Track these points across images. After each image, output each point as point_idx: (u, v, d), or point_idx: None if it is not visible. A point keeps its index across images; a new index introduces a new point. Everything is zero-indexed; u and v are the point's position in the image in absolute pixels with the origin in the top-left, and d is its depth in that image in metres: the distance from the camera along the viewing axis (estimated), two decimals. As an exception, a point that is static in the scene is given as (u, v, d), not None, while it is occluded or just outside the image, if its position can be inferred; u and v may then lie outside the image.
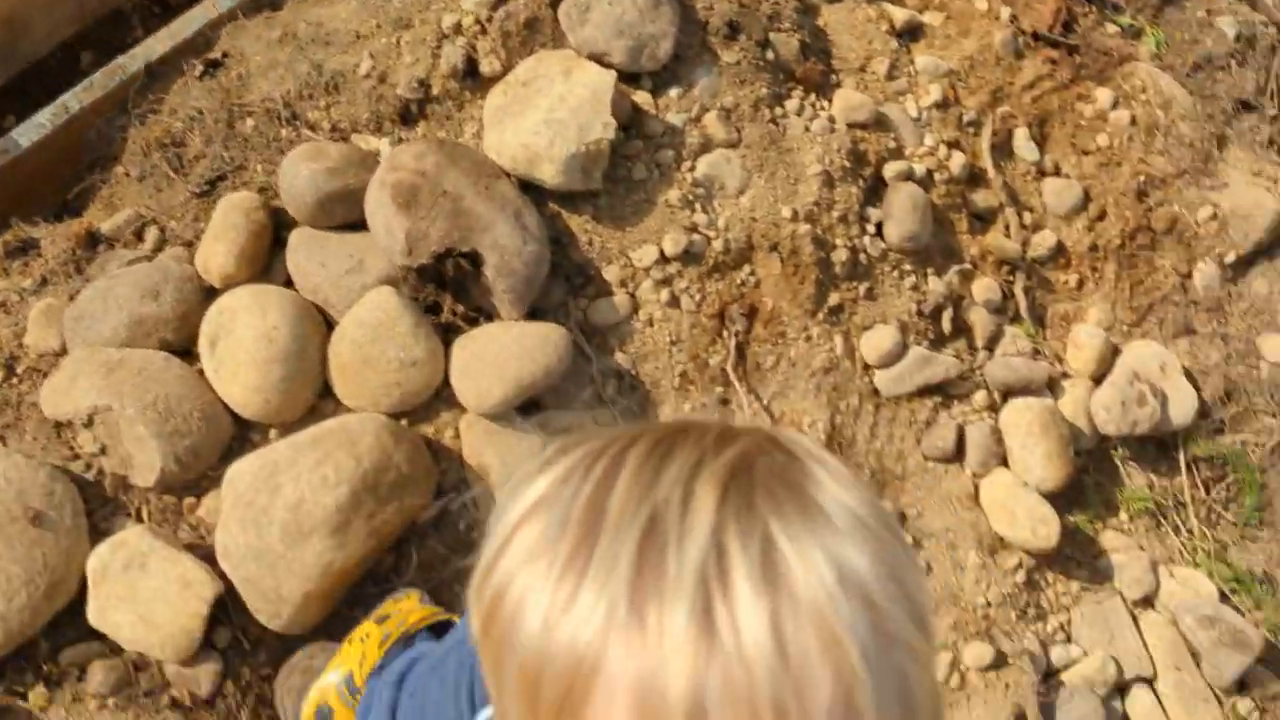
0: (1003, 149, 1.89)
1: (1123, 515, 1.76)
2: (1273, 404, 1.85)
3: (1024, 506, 1.63)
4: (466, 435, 1.53)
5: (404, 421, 1.54)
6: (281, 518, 1.36)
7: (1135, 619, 1.66)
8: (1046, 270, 1.88)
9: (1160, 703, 1.60)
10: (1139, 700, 1.61)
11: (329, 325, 1.56)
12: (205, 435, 1.47)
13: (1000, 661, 1.59)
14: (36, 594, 1.33)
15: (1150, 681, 1.62)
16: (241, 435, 1.51)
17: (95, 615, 1.34)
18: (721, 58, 1.72)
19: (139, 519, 1.42)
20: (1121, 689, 1.62)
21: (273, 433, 1.51)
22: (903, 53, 1.90)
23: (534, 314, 1.57)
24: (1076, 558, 1.71)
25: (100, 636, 1.36)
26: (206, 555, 1.40)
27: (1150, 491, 1.77)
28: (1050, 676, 1.61)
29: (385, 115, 1.68)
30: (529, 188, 1.60)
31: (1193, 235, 1.90)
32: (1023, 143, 1.89)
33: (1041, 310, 1.86)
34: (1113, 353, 1.82)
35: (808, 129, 1.73)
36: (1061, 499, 1.69)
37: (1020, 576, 1.65)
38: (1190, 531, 1.77)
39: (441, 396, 1.56)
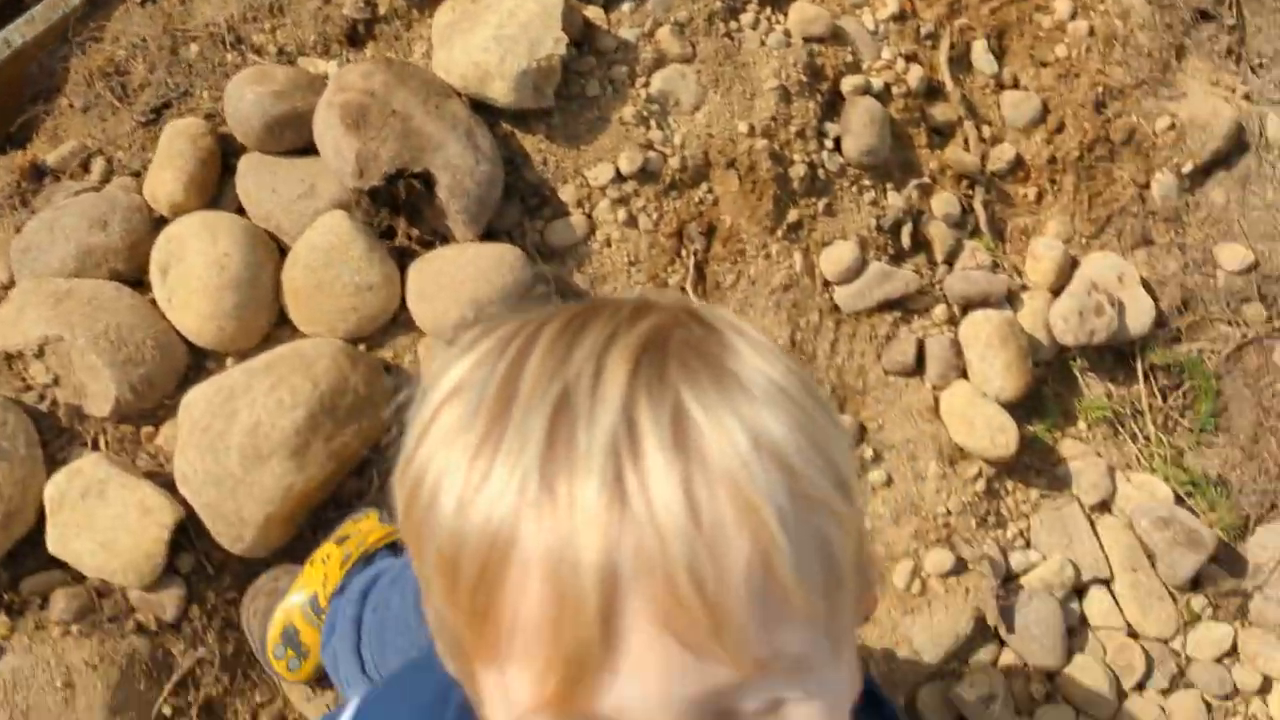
0: (961, 62, 1.88)
1: (1081, 424, 1.78)
2: (1229, 312, 1.87)
3: (983, 416, 1.65)
4: (425, 358, 1.53)
5: (362, 347, 1.53)
6: (239, 442, 1.36)
7: (1093, 523, 1.69)
8: (1005, 184, 1.87)
9: (1117, 602, 1.64)
10: (1096, 601, 1.64)
11: (282, 252, 1.54)
12: (160, 364, 1.45)
13: (960, 568, 1.62)
14: (-6, 524, 1.32)
15: (1107, 583, 1.65)
16: (197, 364, 1.50)
17: (55, 544, 1.34)
18: (674, -28, 1.69)
19: (96, 448, 1.41)
20: (1079, 590, 1.65)
21: (229, 361, 1.50)
22: (860, -34, 1.87)
23: (490, 236, 1.56)
24: (1035, 466, 1.73)
25: (61, 565, 1.36)
26: (166, 483, 1.39)
27: (1108, 400, 1.80)
28: (1009, 581, 1.64)
29: (332, 37, 1.64)
30: (481, 107, 1.58)
31: (1151, 146, 1.90)
32: (981, 55, 1.88)
33: (1001, 224, 1.87)
34: (1071, 265, 1.82)
35: (763, 43, 1.71)
36: (1020, 409, 1.71)
37: (980, 485, 1.67)
38: (1147, 438, 1.79)
39: (399, 321, 1.55)
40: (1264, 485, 1.77)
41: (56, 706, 1.28)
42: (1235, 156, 1.93)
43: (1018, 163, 1.87)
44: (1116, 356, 1.83)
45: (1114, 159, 1.89)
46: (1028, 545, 1.67)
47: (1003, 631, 1.59)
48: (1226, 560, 1.69)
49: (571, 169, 1.60)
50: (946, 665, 1.59)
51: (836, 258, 1.68)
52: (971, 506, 1.66)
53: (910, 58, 1.82)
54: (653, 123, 1.63)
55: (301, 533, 1.43)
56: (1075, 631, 1.63)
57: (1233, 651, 1.63)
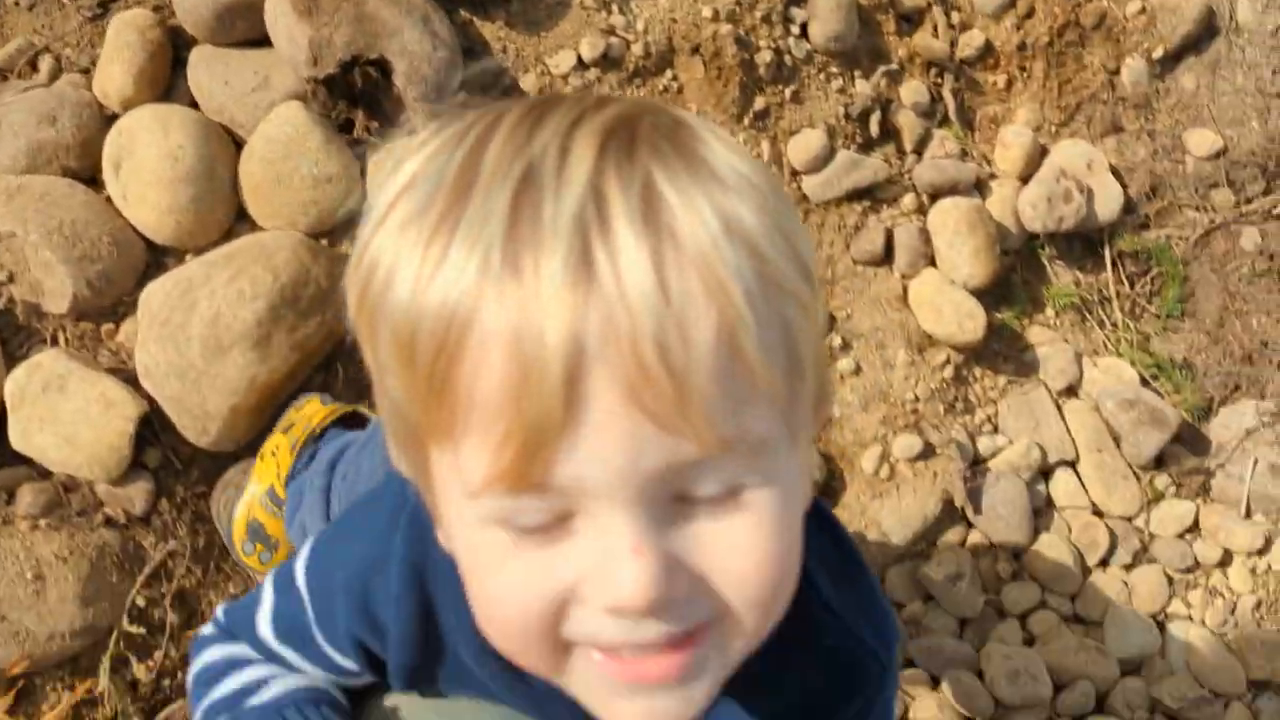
0: (930, -53, 1.84)
1: (1049, 311, 1.79)
2: (1197, 198, 1.86)
3: (951, 303, 1.65)
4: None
5: (324, 242, 1.51)
6: (200, 333, 1.34)
7: (1059, 408, 1.70)
8: (975, 71, 1.85)
9: (1082, 483, 1.66)
10: (1062, 482, 1.66)
11: (237, 145, 1.51)
12: (117, 261, 1.43)
13: (928, 452, 1.63)
14: (-46, 420, 1.31)
15: (1073, 464, 1.67)
16: (157, 262, 1.48)
17: (18, 439, 1.33)
18: None
19: (55, 345, 1.40)
20: (1045, 473, 1.67)
21: (188, 258, 1.48)
22: None
23: (450, 126, 1.53)
24: (1003, 353, 1.74)
25: (26, 460, 1.35)
26: (129, 380, 1.38)
27: (1076, 288, 1.80)
28: (977, 465, 1.66)
29: (281, -77, 1.59)
30: (437, -7, 1.53)
31: (1121, 30, 1.87)
32: (950, -61, 1.84)
33: (970, 112, 1.85)
34: (1040, 153, 1.81)
35: (726, -75, 1.67)
36: (989, 297, 1.71)
37: (948, 372, 1.68)
38: (1114, 325, 1.80)
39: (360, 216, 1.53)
40: (1228, 368, 1.79)
41: (28, 598, 1.28)
42: (1205, 41, 1.91)
43: (987, 49, 1.84)
44: (1085, 244, 1.83)
45: (1084, 45, 1.87)
46: (995, 430, 1.69)
47: (970, 513, 1.61)
48: (1190, 440, 1.71)
49: (532, 56, 1.57)
50: (914, 547, 1.62)
51: (804, 146, 1.66)
52: (939, 393, 1.67)
53: (878, -59, 1.78)
54: (615, 7, 1.60)
55: (268, 426, 1.43)
56: (1041, 512, 1.66)
57: (1194, 527, 1.66)
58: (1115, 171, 1.83)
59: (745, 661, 0.58)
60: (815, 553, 0.61)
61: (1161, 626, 1.61)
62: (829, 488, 1.62)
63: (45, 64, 1.58)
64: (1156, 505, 1.66)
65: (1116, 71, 1.88)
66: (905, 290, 1.70)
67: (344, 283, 0.55)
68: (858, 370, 1.66)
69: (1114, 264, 1.82)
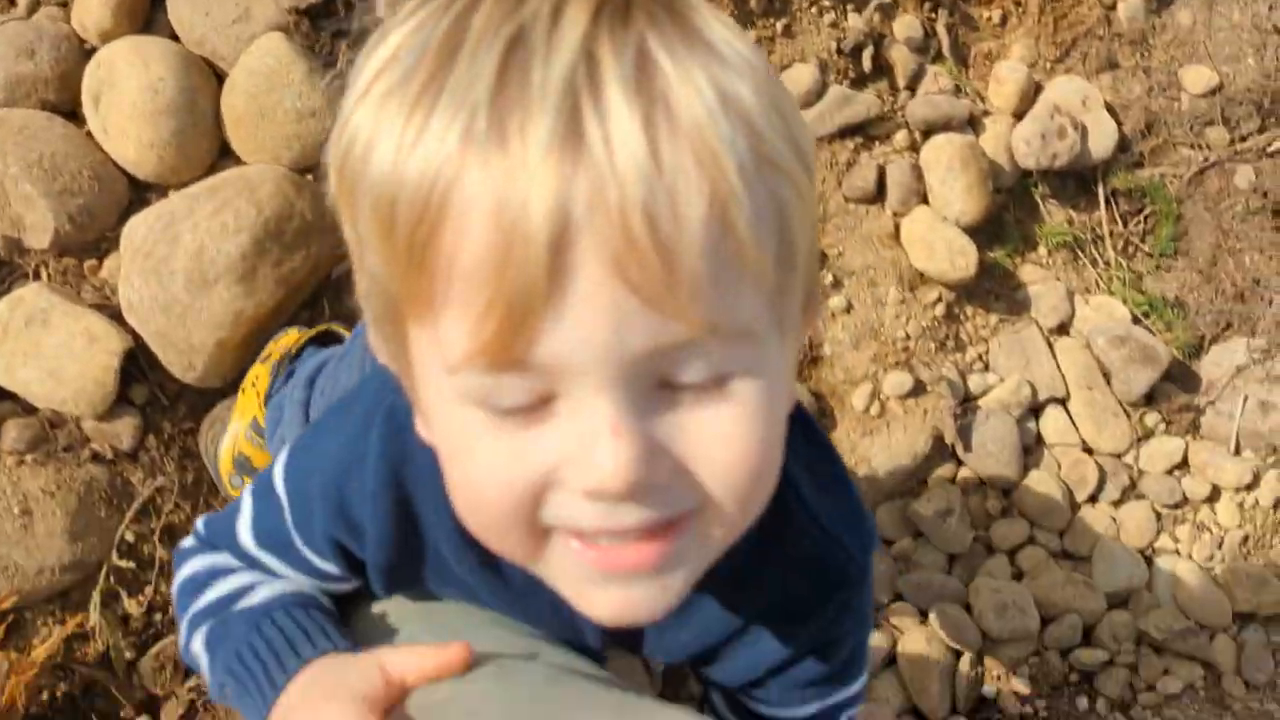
0: (924, -122, 1.80)
1: (1041, 250, 1.78)
2: (1191, 135, 1.85)
3: (943, 240, 1.64)
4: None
5: (309, 177, 1.49)
6: (184, 266, 1.33)
7: (1050, 345, 1.70)
8: (969, 6, 1.82)
9: (1072, 420, 1.66)
10: (1052, 419, 1.66)
11: (219, 79, 1.48)
12: (99, 195, 1.41)
13: (919, 390, 1.63)
14: (-63, 355, 1.30)
15: (1063, 401, 1.67)
16: (139, 198, 1.46)
17: (2, 373, 1.32)
18: None
19: (38, 280, 1.38)
20: (1035, 410, 1.67)
21: (172, 193, 1.46)
22: None
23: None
24: (995, 291, 1.73)
25: (10, 396, 1.34)
26: (114, 315, 1.37)
27: (1069, 226, 1.79)
28: (967, 402, 1.66)
29: None
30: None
31: (1118, -35, 1.84)
32: None
33: (964, 49, 1.82)
34: (1035, 89, 1.79)
35: None
36: (981, 235, 1.70)
37: (940, 310, 1.68)
38: (1107, 263, 1.79)
39: (346, 151, 1.51)
40: (1220, 306, 1.78)
41: (15, 533, 1.28)
42: (1204, -25, 1.88)
43: (982, -17, 1.81)
44: (1078, 182, 1.82)
45: (1080, -21, 1.84)
46: (986, 368, 1.69)
47: (960, 450, 1.61)
48: (1180, 377, 1.71)
49: (519, -12, 1.54)
50: (905, 484, 1.62)
51: (796, 80, 1.64)
52: (931, 331, 1.67)
53: None
54: (602, -63, 1.56)
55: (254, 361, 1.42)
56: (1031, 449, 1.66)
57: (1183, 464, 1.67)
58: (1110, 108, 1.81)
59: (724, 560, 0.57)
60: (796, 455, 0.60)
61: (1149, 561, 1.62)
62: (819, 425, 1.62)
63: (22, -3, 1.55)
64: (1146, 442, 1.67)
65: (1113, 7, 1.85)
66: (897, 228, 1.69)
67: (324, 159, 0.54)
68: (849, 308, 1.65)
69: (1107, 202, 1.81)
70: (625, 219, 0.44)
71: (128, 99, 1.40)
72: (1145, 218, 1.83)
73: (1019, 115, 1.77)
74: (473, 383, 0.48)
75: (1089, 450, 1.66)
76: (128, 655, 1.34)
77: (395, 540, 0.70)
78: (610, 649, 0.77)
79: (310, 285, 1.44)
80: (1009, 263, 1.75)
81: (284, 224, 1.37)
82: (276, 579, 0.76)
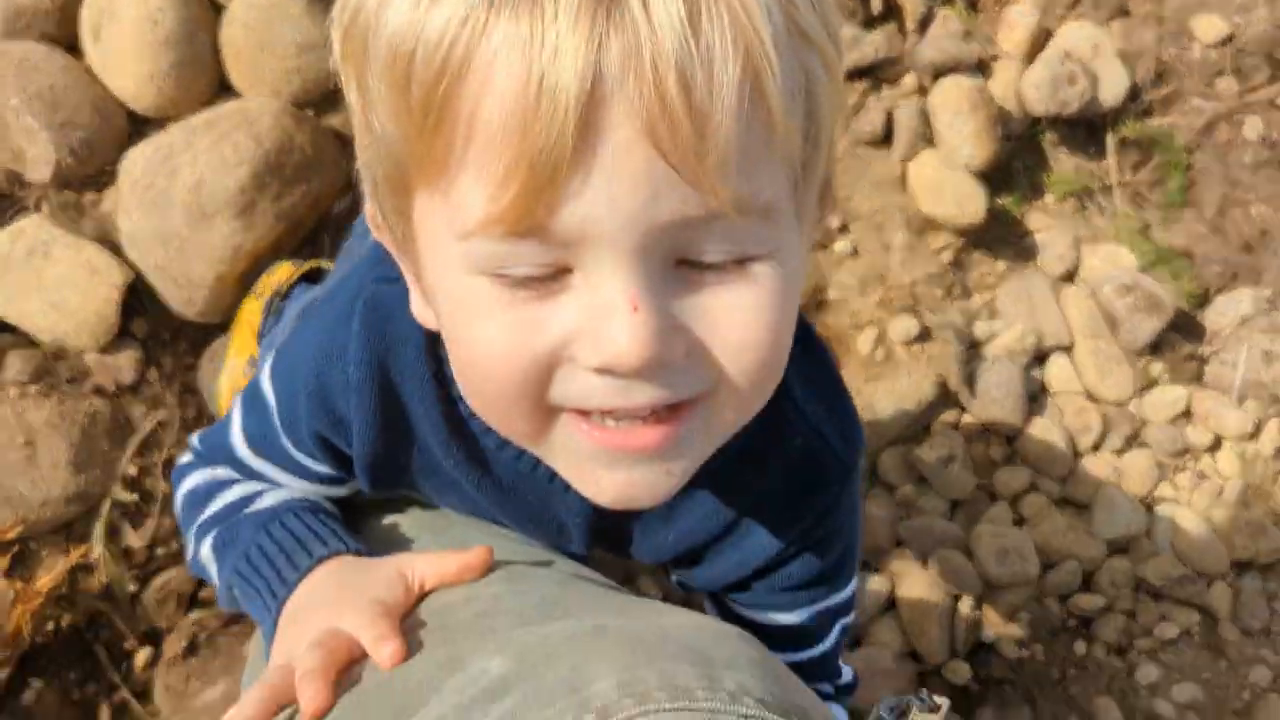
0: None
1: (1049, 198, 1.77)
2: (1202, 85, 1.83)
3: (951, 184, 1.63)
4: None
5: (310, 113, 1.48)
6: (183, 199, 1.32)
7: (1057, 294, 1.69)
8: (981, -51, 1.80)
9: (1076, 369, 1.66)
10: (1056, 367, 1.66)
11: (218, 11, 1.46)
12: (99, 128, 1.40)
13: (925, 335, 1.62)
14: (-63, 286, 1.29)
15: (1068, 349, 1.66)
16: (138, 132, 1.44)
17: (4, 306, 1.32)
18: None
19: (39, 213, 1.37)
20: (1040, 358, 1.67)
21: (170, 126, 1.44)
22: None
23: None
24: (1002, 239, 1.72)
25: (12, 329, 1.33)
26: (115, 249, 1.36)
27: (1077, 174, 1.77)
28: (973, 349, 1.65)
29: None
30: None
31: (1133, -91, 1.81)
32: None
33: (975, -8, 1.80)
34: (1045, 35, 1.77)
35: None
36: (989, 182, 1.68)
37: (947, 256, 1.67)
38: (1114, 213, 1.78)
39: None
40: (1227, 256, 1.77)
41: (20, 463, 1.28)
42: (1219, -79, 1.85)
43: (994, -74, 1.78)
44: (1088, 131, 1.80)
45: (1094, -77, 1.81)
46: (992, 315, 1.68)
47: (964, 396, 1.61)
48: (1185, 327, 1.70)
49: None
50: (908, 429, 1.62)
51: (803, 22, 1.62)
52: (937, 277, 1.66)
53: None
54: None
55: (256, 298, 1.41)
56: (1035, 397, 1.65)
57: (1186, 413, 1.66)
58: (1121, 56, 1.78)
59: (717, 456, 0.57)
60: (791, 357, 0.60)
61: (1149, 509, 1.62)
62: (823, 370, 1.62)
63: (18, -72, 1.53)
64: (1149, 391, 1.66)
65: (1126, -48, 1.83)
66: (905, 173, 1.67)
67: (328, 26, 0.53)
68: (855, 253, 1.64)
69: (1116, 151, 1.79)
70: (660, 81, 0.43)
71: (127, 31, 1.38)
72: (1154, 168, 1.81)
73: (1029, 60, 1.75)
74: (486, 250, 0.47)
75: (1093, 398, 1.66)
76: (130, 587, 1.34)
77: (380, 432, 0.68)
78: (596, 551, 0.76)
79: (310, 221, 1.43)
80: (1016, 210, 1.74)
81: (284, 157, 1.36)
82: (280, 488, 0.76)
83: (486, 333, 0.50)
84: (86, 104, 1.39)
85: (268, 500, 0.74)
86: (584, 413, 0.52)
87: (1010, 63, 1.74)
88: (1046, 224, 1.74)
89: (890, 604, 1.56)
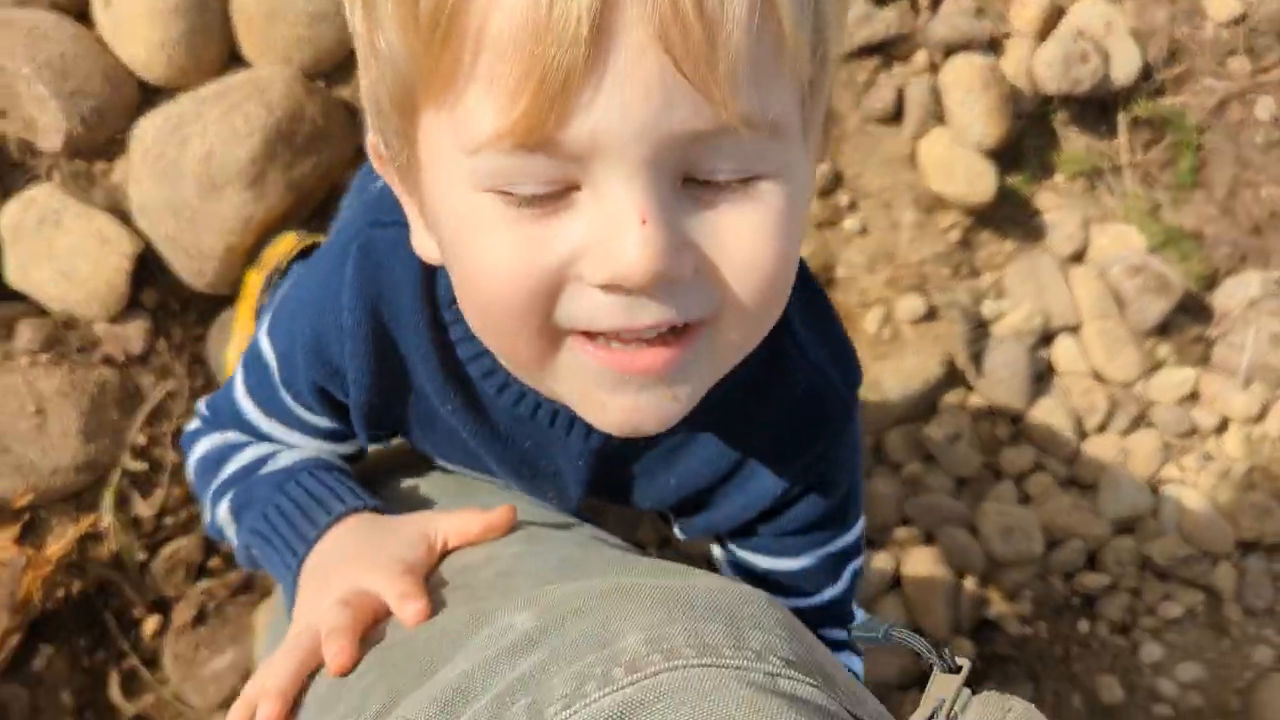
0: None
1: (1059, 178, 1.76)
2: (1214, 64, 1.82)
3: (961, 162, 1.62)
4: None
5: (321, 83, 1.47)
6: (193, 170, 1.31)
7: (1065, 274, 1.69)
8: (994, -74, 1.78)
9: (1084, 349, 1.66)
10: (1064, 348, 1.66)
11: (229, -20, 1.46)
12: (110, 97, 1.39)
13: (932, 314, 1.62)
14: (-52, 253, 1.29)
15: (1075, 330, 1.66)
16: (149, 100, 1.44)
17: (15, 274, 1.32)
18: None
19: (50, 182, 1.37)
20: (1048, 338, 1.67)
21: (181, 96, 1.44)
22: None
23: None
24: (1011, 218, 1.72)
25: (23, 298, 1.33)
26: (125, 219, 1.36)
27: (1088, 154, 1.77)
28: (980, 328, 1.65)
29: None
30: None
31: (1148, -114, 1.80)
32: None
33: (987, -30, 1.79)
34: (1058, 13, 1.76)
35: None
36: (999, 161, 1.68)
37: (955, 235, 1.66)
38: (1125, 193, 1.78)
39: (355, 60, 1.48)
40: (1236, 239, 1.77)
41: (30, 432, 1.28)
42: (1234, -101, 1.84)
43: (1008, -98, 1.77)
44: (1099, 110, 1.79)
45: (1108, -100, 1.80)
46: (1000, 295, 1.68)
47: (971, 375, 1.61)
48: (1193, 308, 1.70)
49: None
50: (915, 408, 1.62)
51: (815, -2, 1.61)
52: (946, 256, 1.66)
53: None
54: None
55: (265, 269, 1.41)
56: (1042, 377, 1.66)
57: (1193, 394, 1.67)
58: (1134, 34, 1.78)
59: (718, 394, 0.57)
60: (791, 295, 0.60)
61: (1155, 489, 1.63)
62: (831, 348, 1.62)
63: (27, -105, 1.52)
64: (1157, 372, 1.66)
65: (1140, -70, 1.81)
66: (914, 150, 1.67)
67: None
68: (864, 230, 1.64)
69: (1128, 131, 1.78)
70: None
71: (137, -2, 1.38)
72: (1165, 148, 1.80)
73: (1041, 38, 1.74)
74: (494, 165, 0.47)
75: (1100, 379, 1.66)
76: (140, 556, 1.35)
77: (375, 378, 0.68)
78: (595, 499, 0.75)
79: (321, 192, 1.42)
80: (1026, 190, 1.73)
81: (295, 126, 1.36)
82: (291, 449, 0.76)
83: (492, 250, 0.49)
84: (97, 73, 1.39)
85: (282, 460, 0.74)
86: (590, 335, 0.51)
87: (1022, 40, 1.74)
88: (1056, 204, 1.74)
89: (895, 581, 1.56)
